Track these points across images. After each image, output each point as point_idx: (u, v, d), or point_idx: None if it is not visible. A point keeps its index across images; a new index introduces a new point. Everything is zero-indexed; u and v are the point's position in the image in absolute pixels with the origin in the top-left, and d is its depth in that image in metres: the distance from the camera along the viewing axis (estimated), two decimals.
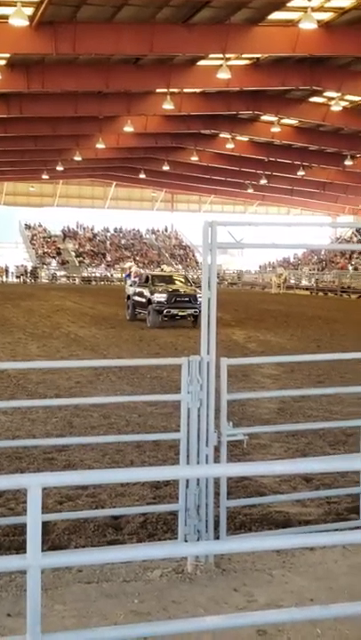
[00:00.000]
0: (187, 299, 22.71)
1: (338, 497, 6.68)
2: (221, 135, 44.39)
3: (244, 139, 44.85)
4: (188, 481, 5.41)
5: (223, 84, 29.25)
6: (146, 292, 23.16)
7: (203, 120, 38.68)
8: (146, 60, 28.96)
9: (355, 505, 6.34)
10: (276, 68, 29.04)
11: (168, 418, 9.27)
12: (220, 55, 27.11)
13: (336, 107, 34.65)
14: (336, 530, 5.74)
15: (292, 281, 54.79)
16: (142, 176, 59.50)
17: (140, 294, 23.73)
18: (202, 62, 29.16)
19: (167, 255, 71.32)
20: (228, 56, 27.29)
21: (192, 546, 5.19)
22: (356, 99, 34.04)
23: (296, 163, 48.85)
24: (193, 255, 70.41)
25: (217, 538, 5.49)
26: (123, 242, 73.45)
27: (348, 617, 3.15)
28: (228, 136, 44.17)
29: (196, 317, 20.92)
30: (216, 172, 54.75)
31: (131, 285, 26.45)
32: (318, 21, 23.30)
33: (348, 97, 33.88)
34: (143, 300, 23.23)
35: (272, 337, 20.01)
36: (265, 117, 38.97)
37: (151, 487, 6.92)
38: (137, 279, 26.30)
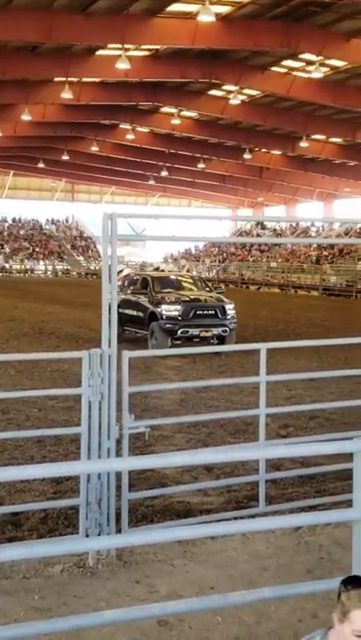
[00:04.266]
0: (212, 311, 16.11)
1: (238, 485, 6.82)
2: (122, 126, 44.23)
3: (145, 130, 44.85)
4: (89, 475, 5.40)
5: (122, 74, 29.12)
6: (145, 303, 16.65)
7: (102, 110, 38.38)
8: (44, 49, 28.48)
9: (254, 492, 6.49)
10: (176, 59, 29.15)
11: (70, 412, 9.20)
12: (119, 45, 26.99)
13: (234, 100, 35.17)
14: (236, 518, 5.86)
15: (194, 273, 55.27)
16: (41, 165, 58.49)
17: (135, 305, 17.06)
18: (101, 52, 28.94)
19: (68, 246, 70.53)
20: (126, 46, 27.18)
21: (93, 540, 5.19)
22: (253, 93, 34.57)
23: (196, 155, 49.23)
24: (95, 247, 69.89)
25: (119, 531, 5.50)
26: (22, 232, 72.10)
27: (247, 604, 3.22)
28: (129, 127, 44.06)
29: (224, 338, 15.64)
30: (117, 163, 54.52)
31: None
32: (216, 14, 23.54)
33: (247, 91, 34.38)
34: (140, 313, 16.68)
35: None
36: (165, 109, 39.06)
37: (52, 482, 6.85)
38: (125, 283, 18.92)
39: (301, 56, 28.73)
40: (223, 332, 15.54)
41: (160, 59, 29.39)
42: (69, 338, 17.73)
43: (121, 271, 21.90)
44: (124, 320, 16.64)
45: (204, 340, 15.84)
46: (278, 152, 47.34)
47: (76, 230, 75.07)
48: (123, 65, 27.14)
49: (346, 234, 50.48)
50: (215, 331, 15.59)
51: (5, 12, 23.79)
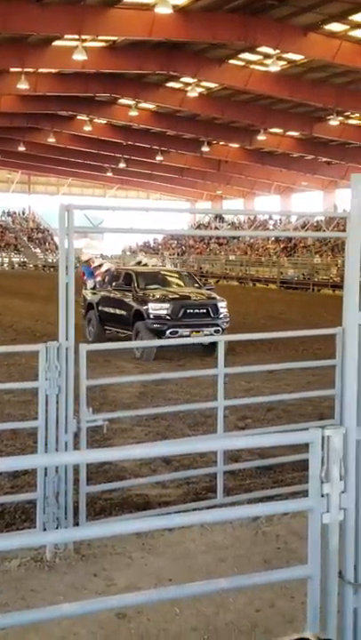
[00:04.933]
0: (203, 310, 14.79)
1: (196, 477, 6.84)
2: (79, 117, 43.92)
3: (103, 121, 44.65)
4: (46, 469, 5.37)
5: (79, 65, 28.93)
6: (129, 300, 15.27)
7: (59, 101, 38.09)
8: None
9: (212, 484, 6.52)
10: (133, 51, 29.03)
11: (27, 405, 9.12)
12: (76, 36, 26.84)
13: (192, 93, 35.23)
14: (195, 509, 5.88)
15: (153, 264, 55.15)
16: None
17: (117, 303, 15.71)
18: (57, 42, 28.69)
19: (25, 239, 69.92)
20: (83, 37, 27.06)
21: (50, 534, 5.16)
22: (211, 85, 34.64)
23: (154, 147, 49.17)
24: (52, 239, 69.35)
25: (77, 524, 5.48)
26: None
27: (205, 595, 3.25)
28: (86, 118, 43.81)
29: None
30: (74, 155, 54.19)
31: (93, 288, 18.22)
32: (174, 6, 23.52)
33: (205, 83, 34.44)
34: (123, 312, 15.34)
35: None
36: (123, 101, 38.91)
37: (9, 477, 6.80)
38: (105, 278, 17.88)
39: (259, 49, 28.87)
40: (215, 332, 14.10)
41: (117, 50, 29.27)
42: (27, 331, 17.59)
43: (100, 265, 20.49)
44: (104, 319, 16.06)
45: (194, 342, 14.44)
46: (236, 145, 47.51)
47: (33, 222, 74.51)
48: (80, 56, 27.08)
49: (303, 227, 50.92)
50: (207, 331, 14.15)
51: None
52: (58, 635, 4.22)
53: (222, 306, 15.00)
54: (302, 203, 60.04)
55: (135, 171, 58.57)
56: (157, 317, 14.27)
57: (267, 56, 29.57)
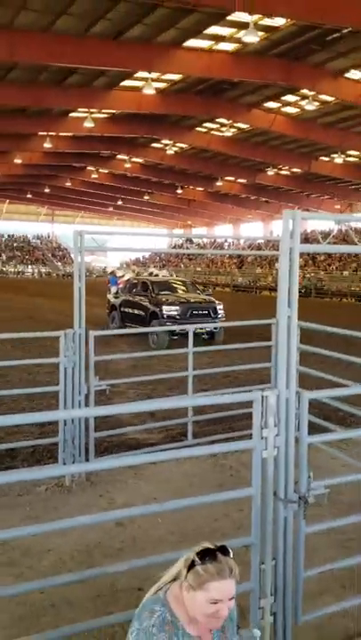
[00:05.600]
0: (205, 311, 14.23)
1: (173, 425, 6.84)
2: (88, 168, 43.46)
3: (105, 171, 44.19)
4: (65, 420, 5.34)
5: (88, 130, 28.62)
6: (146, 304, 14.57)
7: (74, 156, 37.63)
8: (30, 111, 27.82)
9: (184, 430, 6.53)
10: (127, 121, 28.74)
11: (51, 375, 9.02)
12: (86, 110, 26.64)
13: (170, 151, 35.04)
14: (172, 448, 5.88)
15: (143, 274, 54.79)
16: (29, 196, 57.25)
17: (136, 305, 14.99)
18: (73, 114, 28.37)
19: (49, 255, 69.11)
20: (91, 110, 26.85)
21: (69, 467, 5.14)
22: (183, 145, 34.47)
23: (143, 190, 48.83)
24: (69, 255, 68.52)
25: (87, 460, 5.46)
26: (15, 245, 70.32)
27: (178, 509, 3.25)
28: (93, 169, 43.41)
29: (214, 335, 13.59)
30: (85, 195, 53.63)
31: (116, 293, 17.01)
32: (156, 89, 23.33)
33: (178, 144, 34.25)
34: (141, 312, 14.58)
35: None
36: (120, 156, 38.53)
37: (38, 426, 6.75)
38: (126, 286, 16.66)
39: (217, 120, 28.79)
40: (215, 329, 13.37)
41: (116, 120, 28.98)
42: (51, 322, 17.41)
43: (123, 276, 19.00)
44: (125, 318, 15.28)
45: (197, 336, 13.23)
46: (201, 189, 47.35)
47: (55, 243, 73.75)
48: (89, 124, 26.92)
49: (249, 247, 50.92)
50: (208, 328, 13.39)
51: (3, 86, 23.33)
52: (74, 539, 4.21)
53: (220, 308, 14.30)
54: (248, 230, 60.15)
55: (129, 206, 58.20)
56: (170, 317, 13.73)
57: (222, 125, 29.54)
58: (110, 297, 16.84)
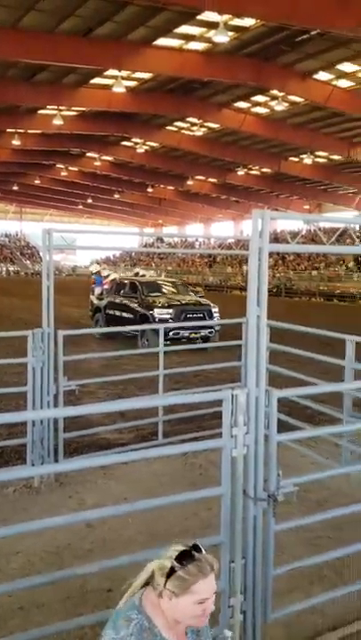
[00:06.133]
0: (200, 314, 13.22)
1: (144, 425, 6.82)
2: (58, 165, 43.02)
3: (75, 169, 43.81)
4: (34, 421, 5.28)
5: (57, 128, 28.34)
6: (135, 306, 13.54)
7: (43, 154, 37.22)
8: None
9: (155, 430, 6.52)
10: (97, 118, 28.53)
11: (19, 375, 8.88)
12: (55, 107, 26.36)
13: (140, 149, 34.93)
14: (142, 448, 5.86)
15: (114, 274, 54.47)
16: None
17: (123, 308, 13.88)
18: (41, 111, 28.02)
19: (18, 253, 68.21)
20: (60, 108, 26.59)
21: (37, 468, 5.08)
22: (154, 144, 34.39)
23: (113, 188, 48.57)
24: (38, 254, 67.75)
25: (56, 461, 5.40)
26: None
27: (148, 509, 3.24)
28: (63, 166, 43.01)
29: (208, 339, 12.62)
30: (54, 193, 53.05)
31: (100, 294, 15.85)
32: (126, 87, 23.22)
33: (149, 143, 34.17)
34: (130, 315, 13.52)
35: None
36: (90, 154, 38.26)
37: (6, 427, 6.65)
38: (113, 287, 15.21)
39: (187, 119, 28.81)
40: (210, 332, 12.65)
41: (86, 117, 28.74)
42: (19, 321, 17.19)
43: (108, 275, 17.59)
44: (110, 321, 14.09)
45: (191, 341, 12.55)
46: (172, 188, 47.33)
47: (24, 241, 72.81)
48: (58, 121, 26.66)
49: (219, 246, 51.15)
50: (203, 332, 12.66)
51: None
52: (43, 540, 4.16)
53: (215, 311, 13.47)
54: (219, 229, 60.36)
55: (99, 205, 57.87)
56: (162, 321, 12.45)
57: (193, 124, 29.58)
58: (94, 298, 15.71)
